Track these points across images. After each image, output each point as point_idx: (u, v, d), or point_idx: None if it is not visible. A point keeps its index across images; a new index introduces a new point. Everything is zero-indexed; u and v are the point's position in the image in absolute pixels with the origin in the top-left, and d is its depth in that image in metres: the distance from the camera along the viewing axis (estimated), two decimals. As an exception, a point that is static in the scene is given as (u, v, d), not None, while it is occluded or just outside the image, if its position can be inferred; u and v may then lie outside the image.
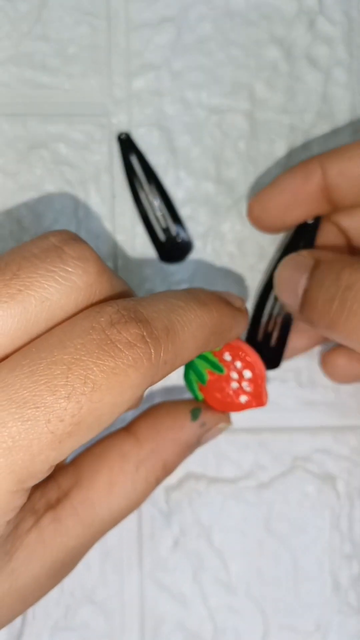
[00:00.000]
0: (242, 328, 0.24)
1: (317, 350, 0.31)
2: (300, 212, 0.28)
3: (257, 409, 0.26)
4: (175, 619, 0.30)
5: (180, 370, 0.27)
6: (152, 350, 0.19)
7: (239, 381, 0.26)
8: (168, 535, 0.31)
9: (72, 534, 0.23)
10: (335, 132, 0.31)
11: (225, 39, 0.31)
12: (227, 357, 0.25)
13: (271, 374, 0.31)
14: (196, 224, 0.31)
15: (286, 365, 0.31)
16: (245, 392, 0.26)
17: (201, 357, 0.26)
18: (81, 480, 0.24)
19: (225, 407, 0.26)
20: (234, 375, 0.26)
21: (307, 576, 0.31)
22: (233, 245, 0.31)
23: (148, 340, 0.19)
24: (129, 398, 0.19)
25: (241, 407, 0.26)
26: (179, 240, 0.31)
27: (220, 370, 0.26)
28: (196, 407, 0.26)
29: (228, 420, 0.27)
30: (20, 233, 0.31)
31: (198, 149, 0.31)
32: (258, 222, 0.29)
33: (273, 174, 0.31)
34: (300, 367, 0.31)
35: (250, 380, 0.25)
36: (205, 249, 0.31)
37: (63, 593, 0.30)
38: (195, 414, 0.26)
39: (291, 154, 0.31)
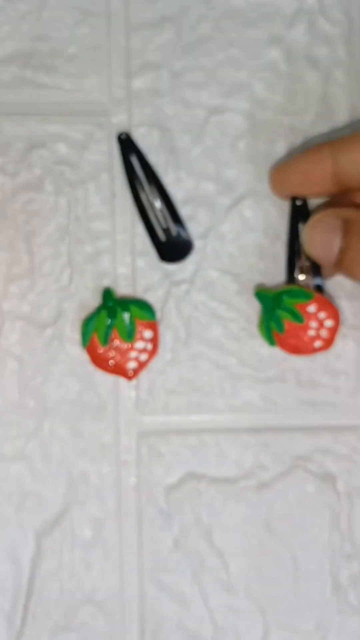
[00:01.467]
0: None
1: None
2: (315, 189, 0.30)
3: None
4: (175, 619, 0.30)
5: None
6: None
7: (318, 329, 0.30)
8: (168, 535, 0.31)
9: None
10: (334, 133, 0.31)
11: (225, 39, 0.31)
12: (312, 308, 0.30)
13: (271, 373, 0.31)
14: (196, 224, 0.31)
15: (286, 365, 0.31)
16: (321, 338, 0.30)
17: (284, 308, 0.30)
18: None
19: (297, 351, 0.30)
20: (314, 324, 0.30)
21: (307, 576, 0.31)
22: (233, 245, 0.31)
23: None
24: None
25: (313, 350, 0.30)
26: (179, 240, 0.31)
27: (301, 320, 0.30)
28: None
29: None
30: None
31: (198, 149, 0.31)
32: (277, 191, 0.31)
33: (273, 174, 0.31)
34: (300, 367, 0.31)
35: (329, 329, 0.30)
36: (205, 249, 0.31)
37: (63, 593, 0.30)
38: None
39: (291, 154, 0.31)
